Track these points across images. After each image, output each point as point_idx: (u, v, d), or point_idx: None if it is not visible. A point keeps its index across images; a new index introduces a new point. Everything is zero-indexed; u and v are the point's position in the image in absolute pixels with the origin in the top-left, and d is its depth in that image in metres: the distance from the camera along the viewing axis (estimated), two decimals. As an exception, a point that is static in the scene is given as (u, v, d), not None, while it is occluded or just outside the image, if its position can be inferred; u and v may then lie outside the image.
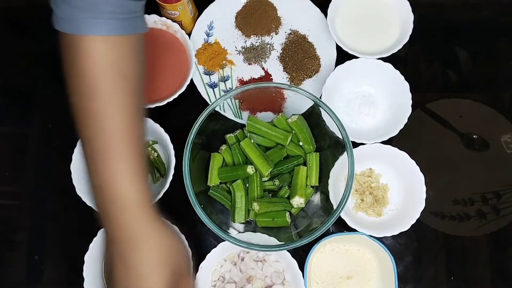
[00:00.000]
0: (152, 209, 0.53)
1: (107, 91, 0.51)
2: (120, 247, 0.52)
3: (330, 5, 0.81)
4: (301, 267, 0.69)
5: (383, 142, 0.75)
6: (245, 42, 0.85)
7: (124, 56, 0.52)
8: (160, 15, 0.81)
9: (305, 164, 0.74)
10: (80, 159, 0.72)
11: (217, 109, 0.70)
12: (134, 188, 0.52)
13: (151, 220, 0.53)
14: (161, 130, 0.74)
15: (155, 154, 0.78)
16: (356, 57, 0.78)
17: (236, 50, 0.85)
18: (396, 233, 0.70)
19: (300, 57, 0.83)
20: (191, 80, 0.80)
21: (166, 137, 0.73)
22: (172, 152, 0.72)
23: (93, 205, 0.70)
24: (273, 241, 0.68)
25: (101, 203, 0.53)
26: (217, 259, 0.73)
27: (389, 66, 0.78)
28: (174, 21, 0.81)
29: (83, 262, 0.69)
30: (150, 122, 0.74)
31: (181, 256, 0.56)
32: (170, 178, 0.71)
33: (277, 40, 0.85)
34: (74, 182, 0.71)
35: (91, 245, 0.69)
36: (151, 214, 0.53)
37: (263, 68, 0.84)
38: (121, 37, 0.52)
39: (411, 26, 0.80)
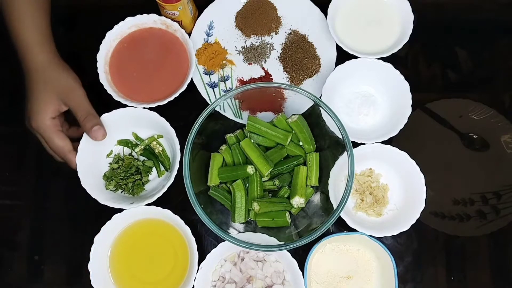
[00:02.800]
0: (52, 50, 0.71)
1: None
2: (27, 80, 0.70)
3: (330, 5, 0.81)
4: (301, 267, 0.69)
5: (383, 142, 0.75)
6: (245, 42, 0.85)
7: None
8: (160, 14, 0.81)
9: (305, 164, 0.74)
10: (85, 152, 0.73)
11: (217, 109, 0.70)
12: (36, 31, 0.70)
13: (51, 57, 0.70)
14: (167, 124, 0.74)
15: (160, 148, 0.78)
16: (356, 57, 0.78)
17: (236, 50, 0.85)
18: (396, 233, 0.70)
19: (300, 57, 0.83)
20: (191, 80, 0.80)
21: (172, 131, 0.73)
22: (178, 146, 0.72)
23: (96, 195, 0.71)
24: (273, 241, 0.68)
25: (15, 43, 0.71)
26: (217, 259, 0.73)
27: (389, 66, 0.78)
28: (174, 21, 0.81)
29: (83, 262, 0.69)
30: (156, 116, 0.74)
31: (70, 88, 0.70)
32: (175, 172, 0.71)
33: (277, 40, 0.85)
34: (79, 175, 0.71)
35: (96, 238, 0.71)
36: (51, 53, 0.71)
37: (263, 68, 0.84)
38: None
39: (411, 26, 0.80)
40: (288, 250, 0.69)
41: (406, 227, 0.71)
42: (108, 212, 0.71)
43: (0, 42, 0.88)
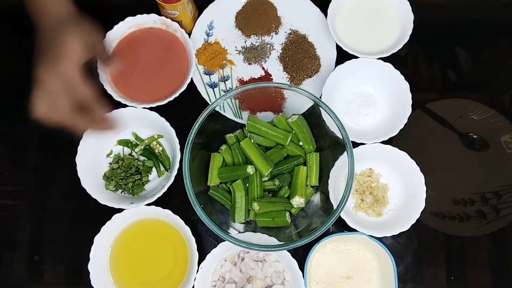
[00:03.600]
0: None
1: None
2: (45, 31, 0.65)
3: (330, 5, 0.81)
4: (301, 267, 0.69)
5: (383, 142, 0.75)
6: (245, 42, 0.85)
7: None
8: (160, 14, 0.81)
9: (305, 164, 0.74)
10: (85, 152, 0.73)
11: (217, 109, 0.70)
12: None
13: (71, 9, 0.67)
14: (167, 124, 0.74)
15: (160, 148, 0.78)
16: (356, 57, 0.78)
17: (236, 50, 0.85)
18: (396, 233, 0.70)
19: (300, 57, 0.83)
20: (191, 80, 0.80)
21: (172, 131, 0.74)
22: (178, 146, 0.72)
23: (96, 195, 0.71)
24: (273, 241, 0.68)
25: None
26: (217, 259, 0.73)
27: (389, 66, 0.78)
28: (174, 21, 0.81)
29: (83, 262, 0.69)
30: (156, 116, 0.74)
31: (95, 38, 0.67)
32: (175, 172, 0.71)
33: (277, 40, 0.85)
34: (79, 175, 0.71)
35: (95, 238, 0.71)
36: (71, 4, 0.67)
37: (263, 68, 0.84)
38: None
39: (411, 26, 0.80)
40: (288, 250, 0.69)
41: (406, 227, 0.71)
42: (108, 212, 0.71)
43: (0, 43, 0.88)
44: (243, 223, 0.72)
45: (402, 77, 0.77)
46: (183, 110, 0.79)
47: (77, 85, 0.63)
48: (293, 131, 0.73)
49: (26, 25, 0.88)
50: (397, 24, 0.83)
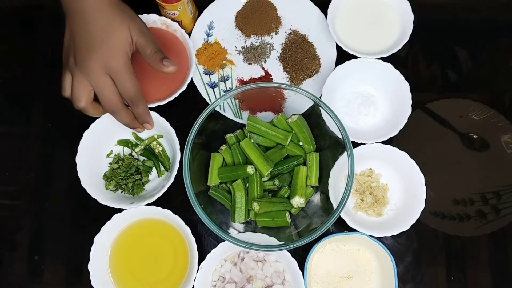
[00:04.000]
0: None
1: None
2: (88, 22, 0.63)
3: (330, 5, 0.81)
4: (301, 267, 0.69)
5: (383, 142, 0.75)
6: (245, 42, 0.85)
7: None
8: (160, 14, 0.81)
9: (305, 164, 0.74)
10: (85, 152, 0.73)
11: (217, 109, 0.70)
12: None
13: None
14: (167, 124, 0.74)
15: (160, 148, 0.78)
16: (356, 57, 0.78)
17: (236, 50, 0.85)
18: (396, 233, 0.70)
19: (300, 57, 0.83)
20: (191, 80, 0.80)
21: (172, 131, 0.74)
22: (178, 146, 0.72)
23: (96, 195, 0.71)
24: (273, 241, 0.68)
25: None
26: (217, 259, 0.73)
27: (389, 66, 0.78)
28: (174, 21, 0.81)
29: (83, 262, 0.69)
30: (156, 115, 0.74)
31: (140, 25, 0.66)
32: (175, 172, 0.71)
33: (277, 40, 0.85)
34: (79, 175, 0.71)
35: (95, 238, 0.71)
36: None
37: (263, 68, 0.84)
38: None
39: (411, 26, 0.80)
40: (288, 250, 0.69)
41: (406, 227, 0.71)
42: (108, 212, 0.71)
43: (0, 45, 0.88)
44: (243, 223, 0.72)
45: (402, 77, 0.77)
46: (183, 110, 0.79)
47: (124, 81, 0.64)
48: (293, 131, 0.73)
49: (25, 25, 0.89)
50: (397, 24, 0.83)
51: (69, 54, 0.65)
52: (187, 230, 0.70)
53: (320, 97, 0.75)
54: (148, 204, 0.71)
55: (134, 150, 0.79)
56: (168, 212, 0.71)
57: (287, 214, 0.71)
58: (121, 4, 0.66)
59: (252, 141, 0.73)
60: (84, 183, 0.71)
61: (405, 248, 0.75)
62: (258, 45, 0.85)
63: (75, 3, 0.64)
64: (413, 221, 0.71)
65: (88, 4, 0.63)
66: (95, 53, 0.62)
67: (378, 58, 0.78)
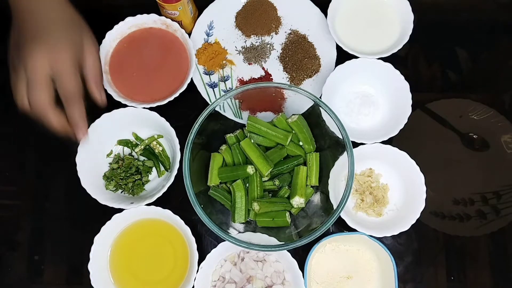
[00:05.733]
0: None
1: None
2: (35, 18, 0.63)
3: (330, 5, 0.81)
4: (301, 267, 0.69)
5: (383, 142, 0.75)
6: (245, 42, 0.85)
7: None
8: (160, 14, 0.81)
9: (305, 164, 0.74)
10: (85, 152, 0.73)
11: (217, 109, 0.70)
12: None
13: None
14: (167, 124, 0.74)
15: (160, 148, 0.78)
16: (356, 57, 0.78)
17: (236, 50, 0.85)
18: (396, 233, 0.70)
19: (300, 57, 0.83)
20: (191, 80, 0.80)
21: (172, 131, 0.74)
22: (178, 146, 0.72)
23: (96, 195, 0.71)
24: (273, 241, 0.68)
25: None
26: (217, 259, 0.73)
27: (389, 66, 0.78)
28: (174, 21, 0.81)
29: (83, 262, 0.69)
30: (156, 116, 0.74)
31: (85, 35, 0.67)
32: (175, 172, 0.71)
33: (277, 40, 0.85)
34: (79, 175, 0.71)
35: (95, 238, 0.71)
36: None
37: (263, 68, 0.84)
38: None
39: (411, 26, 0.80)
40: (288, 250, 0.69)
41: (406, 227, 0.71)
42: (108, 212, 0.71)
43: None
44: (243, 223, 0.72)
45: (402, 77, 0.77)
46: (183, 110, 0.79)
47: (66, 81, 0.62)
48: (293, 131, 0.73)
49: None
50: (397, 24, 0.83)
51: (16, 52, 0.65)
52: (187, 230, 0.70)
53: (320, 97, 0.76)
54: (148, 204, 0.71)
55: (134, 150, 0.79)
56: (168, 212, 0.71)
57: (287, 214, 0.71)
58: (76, 14, 0.69)
59: (252, 141, 0.73)
60: (84, 183, 0.71)
61: (405, 248, 0.75)
62: (258, 45, 0.85)
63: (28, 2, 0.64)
64: (413, 221, 0.71)
65: (40, 4, 0.64)
66: (44, 44, 0.62)
67: (378, 58, 0.78)
